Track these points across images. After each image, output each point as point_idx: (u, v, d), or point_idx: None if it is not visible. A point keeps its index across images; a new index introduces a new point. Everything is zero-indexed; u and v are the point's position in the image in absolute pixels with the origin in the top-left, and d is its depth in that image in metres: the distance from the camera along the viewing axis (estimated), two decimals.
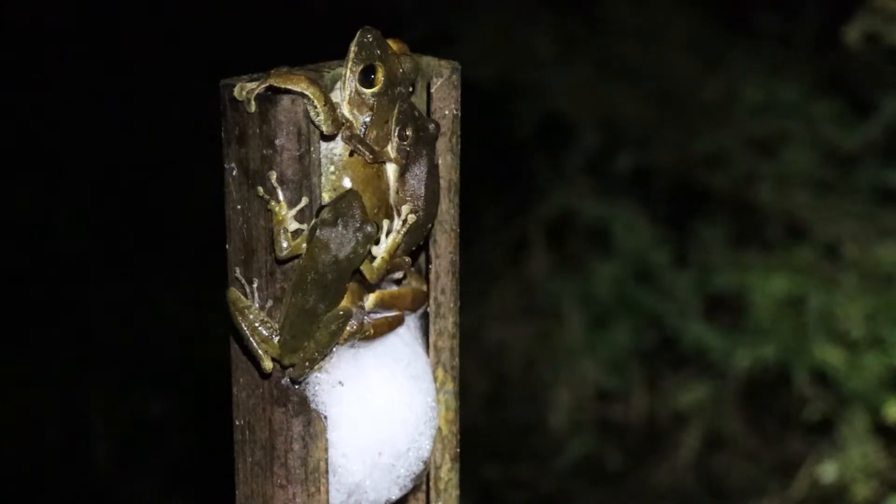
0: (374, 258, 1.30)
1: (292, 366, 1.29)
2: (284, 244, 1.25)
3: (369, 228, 1.26)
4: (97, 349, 4.75)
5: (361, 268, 1.29)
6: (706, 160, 4.79)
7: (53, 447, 4.48)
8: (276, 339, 1.28)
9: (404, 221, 1.32)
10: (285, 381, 1.30)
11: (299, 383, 1.30)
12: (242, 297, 1.29)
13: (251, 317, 1.28)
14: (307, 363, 1.29)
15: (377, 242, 1.30)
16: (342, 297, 1.30)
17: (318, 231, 1.25)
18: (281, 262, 1.27)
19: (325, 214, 1.25)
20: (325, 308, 1.27)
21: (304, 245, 1.25)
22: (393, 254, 1.32)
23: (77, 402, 4.60)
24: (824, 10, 4.98)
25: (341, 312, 1.29)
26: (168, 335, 4.77)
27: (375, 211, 1.30)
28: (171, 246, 5.06)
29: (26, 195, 5.22)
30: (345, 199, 1.26)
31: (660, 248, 4.75)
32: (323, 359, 1.30)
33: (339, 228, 1.25)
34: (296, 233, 1.25)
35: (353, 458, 1.34)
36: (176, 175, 5.24)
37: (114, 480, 4.38)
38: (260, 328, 1.28)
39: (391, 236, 1.31)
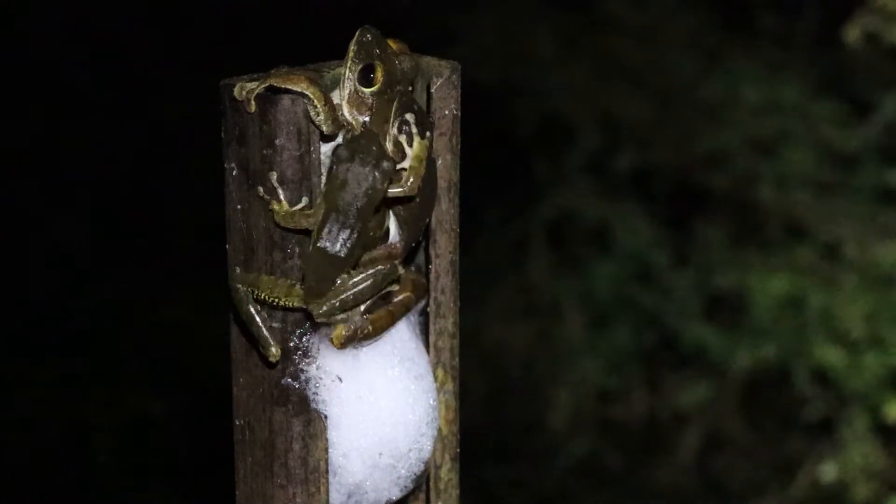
0: (400, 177, 1.27)
1: (320, 313, 1.27)
2: (306, 221, 1.24)
3: (385, 164, 1.23)
4: (97, 349, 4.75)
5: (391, 190, 1.25)
6: (706, 160, 4.79)
7: (53, 447, 4.48)
8: (297, 287, 1.25)
9: (420, 132, 1.28)
10: (285, 380, 1.30)
11: (300, 381, 1.30)
12: (244, 273, 1.28)
13: (262, 284, 1.26)
14: (337, 303, 1.26)
15: (402, 158, 1.26)
16: (367, 238, 1.27)
17: (334, 169, 1.23)
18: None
19: (340, 151, 1.23)
20: (350, 249, 1.25)
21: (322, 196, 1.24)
22: (423, 161, 1.27)
23: (77, 402, 4.60)
24: (824, 10, 4.98)
25: (389, 271, 1.28)
26: (168, 335, 4.77)
27: (375, 212, 1.30)
28: (171, 246, 5.06)
29: (26, 195, 5.22)
30: (361, 138, 1.24)
31: (660, 248, 4.75)
32: (355, 306, 1.28)
33: (356, 165, 1.23)
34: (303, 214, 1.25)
35: (353, 458, 1.34)
36: (176, 175, 5.24)
37: (114, 480, 4.38)
38: (278, 287, 1.26)
39: (415, 141, 1.28)
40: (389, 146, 1.29)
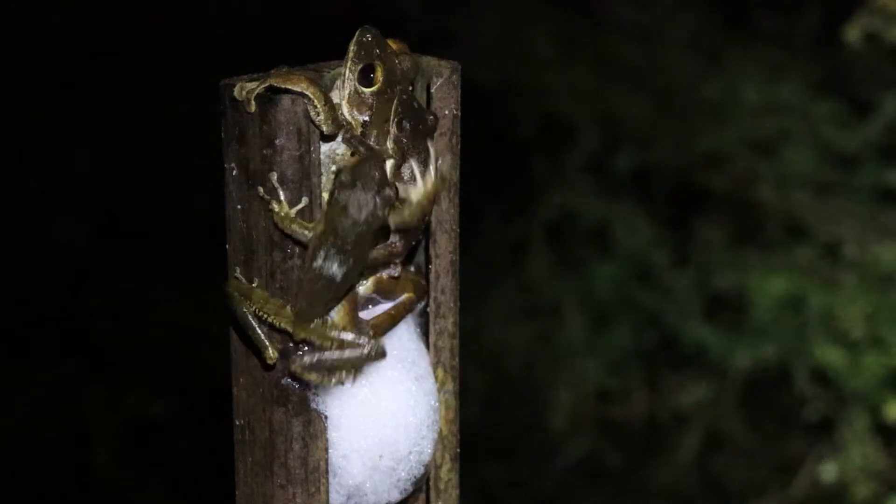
0: (407, 205, 1.26)
1: (304, 342, 1.27)
2: (301, 231, 1.24)
3: (388, 192, 1.23)
4: (97, 349, 4.75)
5: (392, 218, 1.25)
6: (706, 160, 4.79)
7: (53, 447, 4.48)
8: (288, 308, 1.26)
9: (437, 159, 1.29)
10: (285, 380, 1.30)
11: (299, 382, 1.30)
12: (243, 280, 1.28)
13: (255, 297, 1.26)
14: (320, 340, 1.26)
15: (402, 159, 1.27)
16: (363, 263, 1.27)
17: (336, 193, 1.23)
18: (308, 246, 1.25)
19: (343, 177, 1.23)
20: (345, 274, 1.25)
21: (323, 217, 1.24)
22: (431, 199, 1.27)
23: (77, 402, 4.60)
24: (824, 10, 4.98)
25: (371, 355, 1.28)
26: (168, 335, 4.77)
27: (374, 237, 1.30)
28: (171, 246, 5.06)
29: (26, 195, 5.22)
30: (364, 163, 1.24)
31: (660, 248, 4.75)
32: (329, 372, 1.28)
33: (358, 191, 1.22)
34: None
35: (353, 459, 1.34)
36: (176, 175, 5.24)
37: (114, 480, 4.38)
38: (270, 302, 1.26)
39: (428, 176, 1.27)
40: (390, 145, 1.29)
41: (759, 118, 4.79)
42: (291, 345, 1.28)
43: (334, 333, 1.27)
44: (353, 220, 1.23)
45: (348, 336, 1.28)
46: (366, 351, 1.28)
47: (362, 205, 1.23)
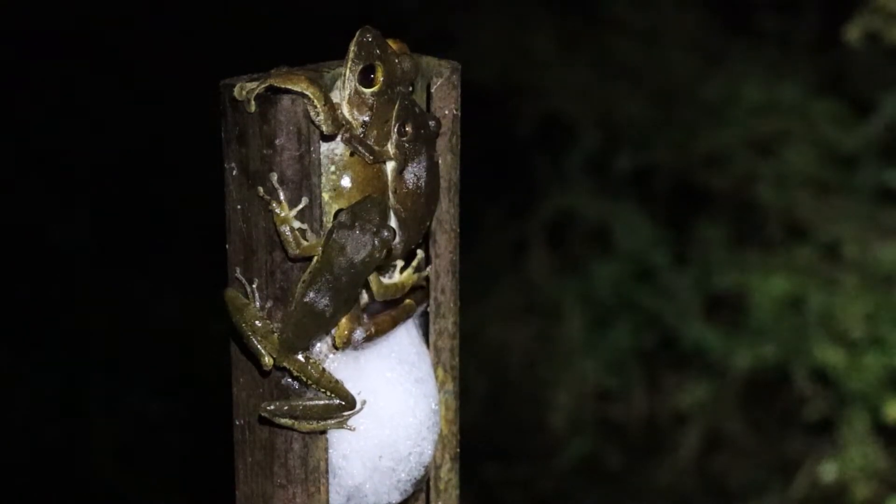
0: (384, 277, 1.33)
1: (284, 369, 1.29)
2: (294, 241, 1.25)
3: (386, 234, 1.25)
4: (97, 349, 4.75)
5: (370, 280, 1.29)
6: (706, 160, 4.79)
7: (53, 447, 4.48)
8: (275, 336, 1.28)
9: (417, 267, 1.35)
10: (285, 380, 1.30)
11: (300, 382, 1.30)
12: (240, 295, 1.29)
13: (247, 315, 1.28)
14: (298, 373, 1.29)
15: (393, 269, 1.33)
16: (354, 303, 1.29)
17: (334, 233, 1.24)
18: (294, 260, 1.26)
19: (343, 217, 1.25)
20: (335, 311, 1.27)
21: (320, 248, 1.25)
22: (401, 288, 1.34)
23: (77, 402, 4.60)
24: (824, 10, 4.98)
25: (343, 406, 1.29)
26: (168, 335, 4.77)
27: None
28: (171, 246, 5.06)
29: (26, 194, 5.22)
30: (364, 204, 1.26)
31: (660, 248, 4.75)
32: (301, 418, 1.30)
33: (357, 232, 1.25)
34: (300, 231, 1.25)
35: (353, 460, 1.34)
36: (176, 175, 5.24)
37: (114, 480, 4.38)
38: (258, 325, 1.28)
39: (406, 272, 1.34)
40: (391, 149, 1.29)
41: (759, 118, 4.79)
42: (275, 368, 1.29)
43: (311, 371, 1.29)
44: (350, 261, 1.25)
45: (324, 377, 1.29)
46: (336, 401, 1.29)
47: (360, 246, 1.25)
